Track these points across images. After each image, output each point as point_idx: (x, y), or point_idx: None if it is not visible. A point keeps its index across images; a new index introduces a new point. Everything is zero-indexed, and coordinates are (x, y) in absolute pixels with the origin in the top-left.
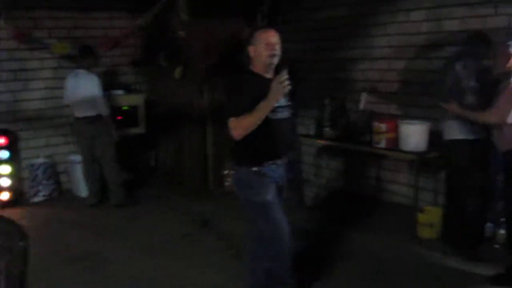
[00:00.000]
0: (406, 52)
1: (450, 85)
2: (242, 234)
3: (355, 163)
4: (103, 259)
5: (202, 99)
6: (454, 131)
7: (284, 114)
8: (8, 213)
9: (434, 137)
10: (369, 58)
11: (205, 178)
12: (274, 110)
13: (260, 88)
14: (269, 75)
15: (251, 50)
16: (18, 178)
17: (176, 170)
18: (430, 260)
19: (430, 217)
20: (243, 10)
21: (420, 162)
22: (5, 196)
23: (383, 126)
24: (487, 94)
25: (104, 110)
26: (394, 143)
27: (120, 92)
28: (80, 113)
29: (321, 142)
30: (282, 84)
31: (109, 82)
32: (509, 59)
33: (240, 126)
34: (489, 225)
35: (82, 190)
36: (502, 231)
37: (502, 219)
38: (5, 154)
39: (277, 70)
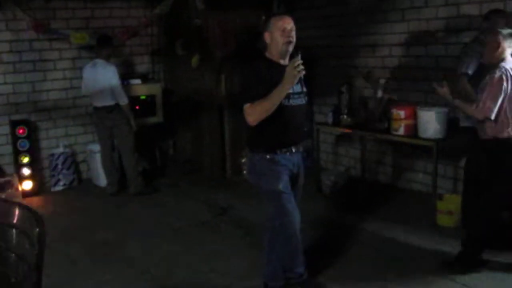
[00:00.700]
0: (424, 38)
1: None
2: (260, 222)
3: (373, 151)
4: (122, 247)
5: (220, 87)
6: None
7: (299, 100)
8: (29, 201)
9: (453, 124)
10: (387, 44)
11: (223, 166)
12: (288, 96)
13: (275, 74)
14: (284, 62)
15: (266, 37)
16: (38, 167)
17: (194, 158)
18: (448, 249)
19: (449, 205)
20: None
21: (439, 149)
22: (27, 185)
23: (401, 113)
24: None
25: (123, 100)
26: (413, 130)
27: (137, 81)
28: (98, 102)
29: (339, 130)
30: (297, 69)
31: (126, 72)
32: (497, 48)
33: (255, 112)
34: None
35: (102, 179)
36: None
37: None
38: (25, 144)
39: (292, 56)
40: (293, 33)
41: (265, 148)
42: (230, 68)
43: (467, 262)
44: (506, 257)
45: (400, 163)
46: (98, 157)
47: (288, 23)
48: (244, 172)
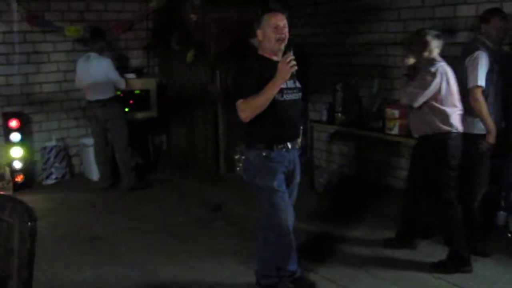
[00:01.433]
0: None
1: None
2: (253, 219)
3: (367, 149)
4: (113, 241)
5: (214, 83)
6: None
7: (293, 96)
8: (20, 195)
9: None
10: (384, 43)
11: (217, 162)
12: (281, 91)
13: (268, 71)
14: (277, 58)
15: (259, 33)
16: (30, 161)
17: (188, 153)
18: (441, 248)
19: None
20: None
21: None
22: (18, 178)
23: (396, 112)
24: None
25: (122, 85)
26: (407, 129)
27: (132, 75)
28: (92, 96)
29: (333, 128)
30: (289, 64)
31: (121, 66)
32: (425, 47)
33: (248, 108)
34: (501, 213)
35: (94, 173)
36: None
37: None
38: (17, 137)
39: (285, 53)
40: (286, 30)
41: (260, 144)
42: (225, 64)
43: (458, 261)
44: (496, 257)
45: (394, 162)
46: (90, 151)
47: (281, 20)
48: (238, 168)
